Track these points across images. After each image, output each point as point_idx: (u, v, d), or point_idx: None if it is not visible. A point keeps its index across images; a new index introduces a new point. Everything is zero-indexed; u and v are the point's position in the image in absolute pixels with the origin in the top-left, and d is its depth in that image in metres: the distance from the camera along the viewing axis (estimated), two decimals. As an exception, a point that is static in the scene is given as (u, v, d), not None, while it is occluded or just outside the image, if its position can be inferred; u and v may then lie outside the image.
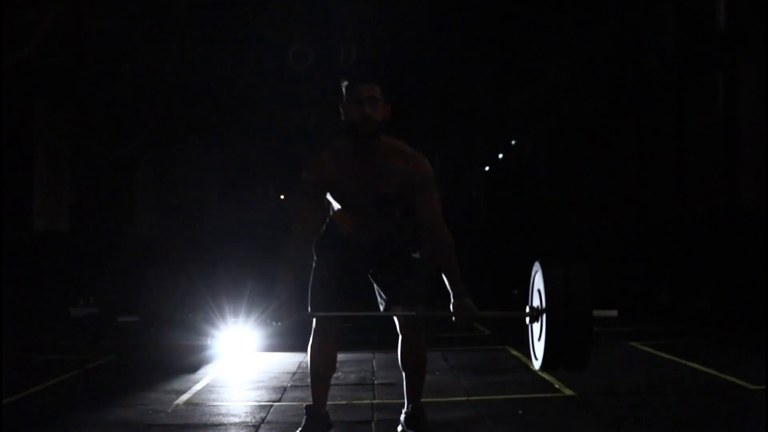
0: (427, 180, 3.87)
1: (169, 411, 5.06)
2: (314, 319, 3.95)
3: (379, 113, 3.75)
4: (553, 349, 3.75)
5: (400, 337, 4.00)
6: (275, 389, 5.73)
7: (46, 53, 10.70)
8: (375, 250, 3.98)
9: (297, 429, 4.00)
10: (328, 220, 4.07)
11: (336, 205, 4.00)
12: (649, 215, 13.50)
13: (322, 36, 14.49)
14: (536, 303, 3.89)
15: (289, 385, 5.90)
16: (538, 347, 3.88)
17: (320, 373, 3.97)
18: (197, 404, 5.27)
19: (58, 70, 11.24)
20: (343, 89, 3.81)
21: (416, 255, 4.01)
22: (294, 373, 6.36)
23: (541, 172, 19.42)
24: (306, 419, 3.94)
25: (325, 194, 3.89)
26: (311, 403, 3.98)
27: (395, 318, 3.99)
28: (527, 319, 3.93)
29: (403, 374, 4.08)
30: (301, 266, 3.88)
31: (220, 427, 4.68)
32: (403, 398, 4.11)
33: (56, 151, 11.89)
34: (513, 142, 22.17)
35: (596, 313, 3.81)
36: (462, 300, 3.84)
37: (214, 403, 5.30)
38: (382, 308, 4.01)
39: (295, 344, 7.61)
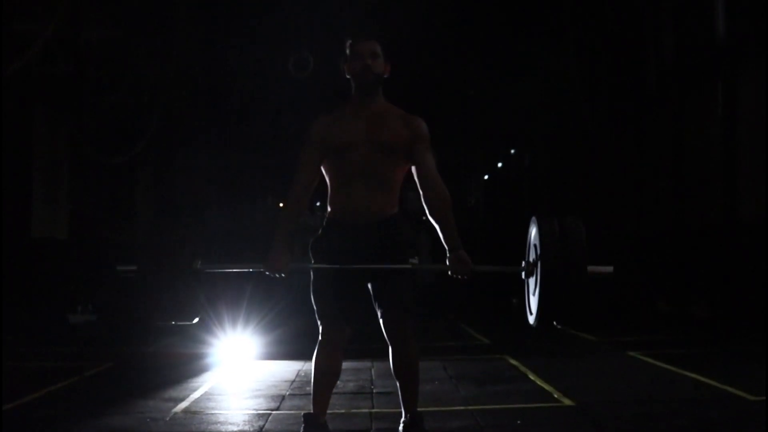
0: (424, 134, 4.03)
1: (167, 419, 5.05)
2: (321, 328, 3.96)
3: (379, 67, 3.98)
4: (547, 297, 3.78)
5: (390, 347, 4.01)
6: (274, 397, 5.72)
7: (45, 61, 10.72)
8: (374, 242, 3.93)
9: None
10: (324, 223, 4.07)
11: (333, 183, 3.99)
12: (648, 224, 13.51)
13: (321, 44, 14.49)
14: (532, 258, 3.96)
15: (287, 393, 5.89)
16: (533, 301, 3.91)
17: (323, 381, 3.97)
18: (195, 412, 5.26)
19: (57, 78, 11.25)
20: (347, 48, 4.03)
21: (414, 260, 4.00)
22: (292, 382, 6.35)
23: (539, 181, 19.43)
24: (304, 428, 3.94)
25: (324, 149, 3.96)
26: (310, 411, 3.97)
27: (383, 328, 3.99)
28: (523, 275, 4.02)
29: (397, 383, 4.08)
30: (298, 221, 4.00)
31: (218, 435, 4.67)
32: (401, 407, 4.10)
33: (55, 158, 11.89)
34: (512, 151, 22.20)
35: (591, 268, 3.85)
36: (458, 253, 3.88)
37: (212, 412, 5.28)
38: (379, 314, 4.01)
39: (293, 352, 7.61)
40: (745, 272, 9.69)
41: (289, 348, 8.00)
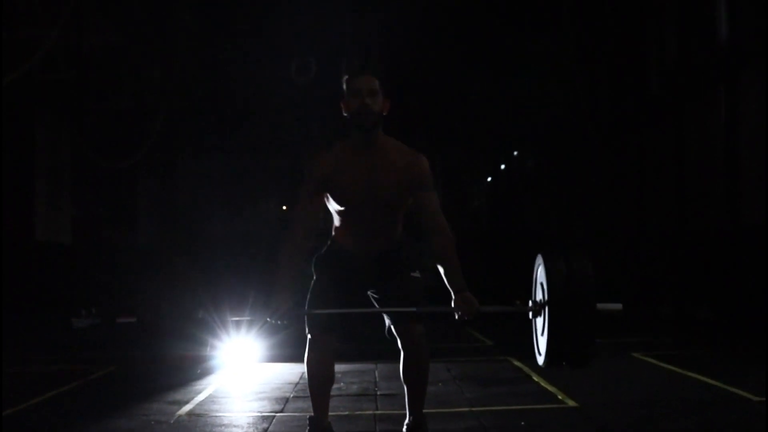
0: (426, 176, 3.91)
1: (172, 422, 5.05)
2: (310, 335, 3.92)
3: (378, 105, 3.82)
4: (556, 343, 3.75)
5: (402, 351, 3.97)
6: (277, 400, 5.72)
7: (48, 67, 10.75)
8: (375, 264, 3.95)
9: None
10: (329, 241, 4.06)
11: (336, 218, 3.98)
12: (650, 228, 13.50)
13: (323, 48, 14.51)
14: (539, 297, 3.91)
15: (291, 395, 5.89)
16: (542, 342, 3.88)
17: (318, 385, 3.94)
18: (199, 415, 5.26)
19: (60, 83, 11.29)
20: (344, 84, 3.88)
21: (416, 274, 3.99)
22: (296, 384, 6.35)
23: (542, 184, 19.43)
24: (309, 430, 3.93)
25: (325, 192, 3.87)
26: (313, 414, 3.97)
27: (397, 334, 3.95)
28: (530, 314, 3.96)
29: (405, 386, 4.04)
30: (299, 264, 3.87)
31: (222, 438, 4.68)
32: (406, 409, 4.10)
33: (58, 164, 11.92)
34: (515, 153, 22.20)
35: (601, 306, 3.80)
36: (463, 294, 3.82)
37: (217, 414, 5.29)
38: (387, 322, 3.98)
39: (296, 355, 7.60)
40: (747, 275, 9.69)
41: (292, 351, 7.99)
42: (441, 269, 3.88)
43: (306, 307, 3.90)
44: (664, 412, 5.12)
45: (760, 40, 9.84)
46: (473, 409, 5.29)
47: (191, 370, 7.18)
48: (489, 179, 25.32)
